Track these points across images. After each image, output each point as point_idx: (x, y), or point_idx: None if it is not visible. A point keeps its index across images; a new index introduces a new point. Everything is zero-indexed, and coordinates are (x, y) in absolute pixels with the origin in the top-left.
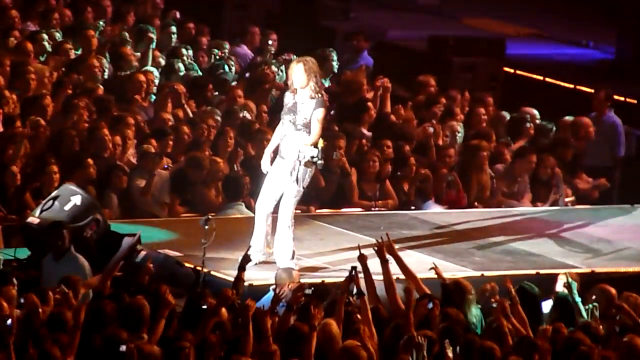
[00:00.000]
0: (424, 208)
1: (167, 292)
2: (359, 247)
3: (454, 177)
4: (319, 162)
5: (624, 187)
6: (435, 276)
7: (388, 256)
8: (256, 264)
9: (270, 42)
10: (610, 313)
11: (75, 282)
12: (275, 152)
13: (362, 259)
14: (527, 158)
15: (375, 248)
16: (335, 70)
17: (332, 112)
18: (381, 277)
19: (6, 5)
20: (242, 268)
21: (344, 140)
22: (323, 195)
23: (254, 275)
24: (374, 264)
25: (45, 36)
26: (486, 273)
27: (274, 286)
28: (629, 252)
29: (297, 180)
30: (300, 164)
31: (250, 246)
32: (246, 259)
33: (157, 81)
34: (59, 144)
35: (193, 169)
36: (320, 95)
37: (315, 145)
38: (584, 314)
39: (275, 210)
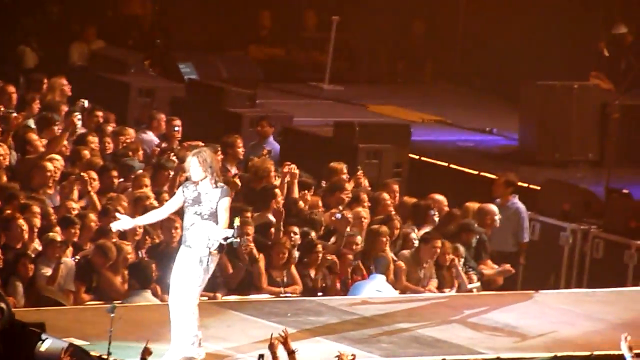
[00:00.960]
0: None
1: None
2: (271, 336)
3: (358, 263)
4: (235, 240)
5: (527, 273)
6: None
7: (294, 347)
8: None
9: (176, 128)
10: None
11: None
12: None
13: (272, 347)
14: (432, 243)
15: (278, 342)
16: (241, 157)
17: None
18: None
19: None
20: None
21: (252, 226)
22: (230, 281)
23: None
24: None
25: None
26: (393, 359)
27: None
28: (533, 337)
29: (207, 268)
30: (209, 253)
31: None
32: (146, 352)
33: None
34: None
35: (100, 257)
36: (221, 184)
37: (230, 226)
38: None
39: None
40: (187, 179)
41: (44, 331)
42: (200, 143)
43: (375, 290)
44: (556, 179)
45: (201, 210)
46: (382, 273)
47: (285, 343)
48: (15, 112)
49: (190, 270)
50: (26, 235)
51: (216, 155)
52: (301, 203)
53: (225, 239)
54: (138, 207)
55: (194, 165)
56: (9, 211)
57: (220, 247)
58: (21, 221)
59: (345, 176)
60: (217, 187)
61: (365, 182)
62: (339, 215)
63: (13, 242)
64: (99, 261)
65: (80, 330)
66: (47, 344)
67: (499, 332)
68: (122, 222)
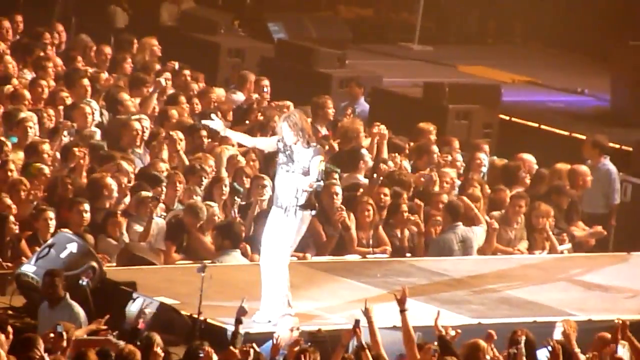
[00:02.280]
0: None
1: (155, 344)
2: (365, 302)
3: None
4: (319, 184)
5: (619, 235)
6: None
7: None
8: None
9: (265, 89)
10: None
11: (68, 329)
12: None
13: (367, 312)
14: (520, 203)
15: (398, 297)
16: (331, 118)
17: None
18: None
19: (3, 53)
20: (238, 321)
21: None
22: (323, 249)
23: (250, 324)
24: (380, 316)
25: (44, 83)
26: (483, 321)
27: (275, 335)
28: (625, 299)
29: (298, 226)
30: (297, 205)
31: (243, 298)
32: (241, 312)
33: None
34: (54, 190)
35: (190, 217)
36: (313, 143)
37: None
38: None
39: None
40: (280, 138)
41: (135, 290)
42: (288, 103)
43: None
44: None
45: (293, 169)
46: None
47: (401, 301)
48: (106, 73)
49: (281, 231)
50: (115, 194)
51: (306, 117)
52: (390, 164)
53: (311, 185)
54: (229, 166)
55: (285, 129)
56: (97, 170)
57: (308, 203)
58: (109, 179)
59: (433, 137)
60: (309, 147)
61: (455, 144)
62: (427, 176)
63: (102, 201)
64: (189, 221)
65: (170, 290)
66: (137, 303)
67: (590, 294)
68: (215, 123)
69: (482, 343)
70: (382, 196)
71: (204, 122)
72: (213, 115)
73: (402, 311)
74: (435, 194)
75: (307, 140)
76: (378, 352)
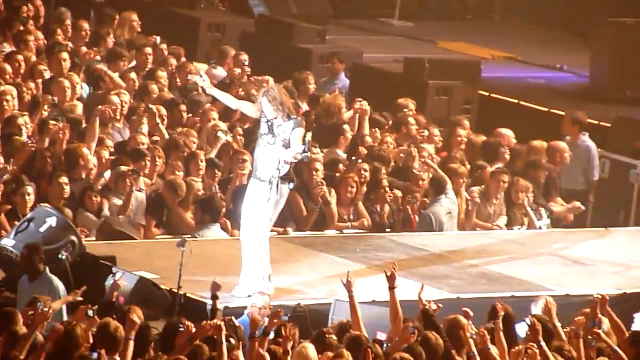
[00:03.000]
0: None
1: (132, 311)
2: (347, 274)
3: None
4: (306, 154)
5: (597, 211)
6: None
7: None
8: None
9: (245, 62)
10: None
11: (45, 303)
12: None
13: (349, 285)
14: (499, 178)
15: (388, 274)
16: (312, 92)
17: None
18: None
19: None
20: (214, 297)
21: (321, 167)
22: (304, 223)
23: (228, 298)
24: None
25: (21, 57)
26: (462, 296)
27: (247, 310)
28: (603, 275)
29: (278, 200)
30: (279, 178)
31: (216, 276)
32: (215, 287)
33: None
34: (33, 164)
35: (169, 192)
36: (293, 115)
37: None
38: (564, 337)
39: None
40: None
41: (115, 264)
42: (267, 77)
43: None
44: (627, 117)
45: (274, 141)
46: None
47: (391, 278)
48: (85, 47)
49: (260, 203)
50: (92, 165)
51: (285, 90)
52: (369, 139)
53: (297, 153)
54: (209, 139)
55: (265, 104)
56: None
57: (287, 177)
58: (85, 149)
59: (411, 112)
60: (289, 119)
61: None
62: (407, 152)
63: (79, 171)
64: (168, 197)
65: (150, 264)
66: (116, 277)
67: (568, 269)
68: (203, 80)
69: (463, 319)
70: (361, 172)
71: (190, 76)
72: (202, 73)
73: (392, 288)
74: (414, 170)
75: (287, 114)
76: (358, 329)
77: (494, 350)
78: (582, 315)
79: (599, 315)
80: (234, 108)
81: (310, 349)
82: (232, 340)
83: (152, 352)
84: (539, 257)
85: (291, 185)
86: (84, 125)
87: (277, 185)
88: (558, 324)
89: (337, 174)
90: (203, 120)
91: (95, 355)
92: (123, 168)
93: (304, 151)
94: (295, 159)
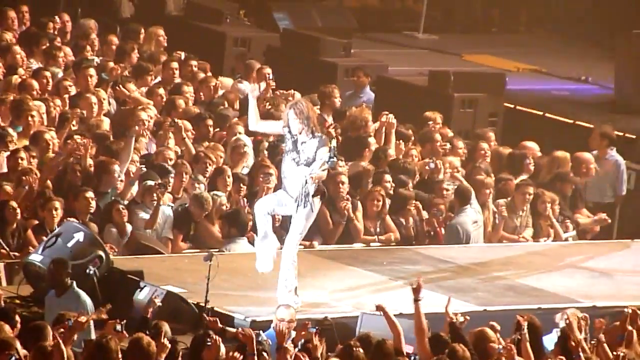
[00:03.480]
0: None
1: (162, 333)
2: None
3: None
4: (332, 160)
5: (623, 222)
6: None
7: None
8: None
9: (268, 76)
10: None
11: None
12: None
13: (383, 309)
14: (525, 190)
15: (414, 286)
16: (338, 106)
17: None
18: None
19: (10, 43)
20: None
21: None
22: (330, 237)
23: (256, 312)
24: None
25: (48, 73)
26: (489, 308)
27: (274, 324)
28: (629, 286)
29: (309, 214)
30: (307, 194)
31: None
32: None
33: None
34: (61, 178)
35: (195, 207)
36: (319, 133)
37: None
38: (587, 350)
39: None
40: (286, 126)
41: (142, 279)
42: (293, 92)
43: None
44: None
45: (299, 158)
46: None
47: (416, 290)
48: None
49: (293, 220)
50: (121, 183)
51: (312, 105)
52: (392, 151)
53: (325, 161)
54: (234, 154)
55: (291, 117)
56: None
57: (317, 190)
58: (116, 167)
59: (438, 126)
60: (314, 137)
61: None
62: (432, 164)
63: (105, 188)
64: (195, 211)
65: (177, 278)
66: (145, 292)
67: (594, 280)
68: (250, 86)
69: (490, 332)
70: (387, 184)
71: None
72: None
73: (416, 300)
74: (439, 182)
75: (311, 130)
76: (398, 346)
77: None
78: (611, 328)
79: (629, 328)
80: (251, 129)
81: None
82: (265, 355)
83: None
84: (566, 269)
85: (322, 198)
86: (111, 139)
87: (307, 204)
88: (580, 337)
89: (362, 187)
90: (229, 135)
91: None
92: (150, 182)
93: (330, 158)
94: (322, 172)
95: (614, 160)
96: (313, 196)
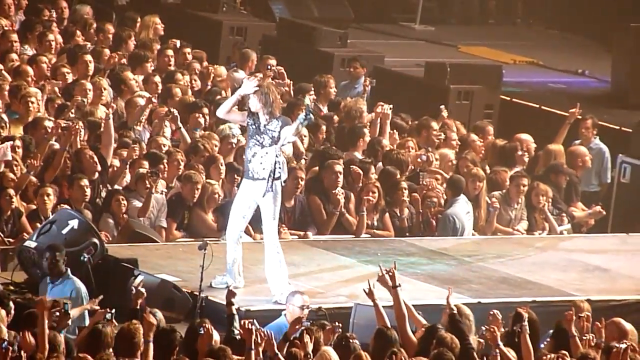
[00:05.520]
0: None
1: (148, 313)
2: (368, 283)
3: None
4: (310, 117)
5: (618, 216)
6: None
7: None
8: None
9: (269, 67)
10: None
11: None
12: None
13: (371, 295)
14: (519, 182)
15: (389, 273)
16: (333, 97)
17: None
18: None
19: (5, 29)
20: (229, 304)
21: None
22: (324, 227)
23: (250, 301)
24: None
25: (45, 59)
26: (483, 300)
27: (285, 311)
28: (623, 280)
29: (275, 197)
30: (274, 178)
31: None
32: (231, 295)
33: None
34: (54, 164)
35: (186, 186)
36: (278, 114)
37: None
38: (581, 347)
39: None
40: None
41: (137, 267)
42: (288, 81)
43: None
44: None
45: (262, 140)
46: None
47: (392, 277)
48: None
49: (262, 206)
50: (99, 167)
51: (277, 89)
52: (386, 142)
53: (303, 119)
54: (223, 144)
55: (251, 96)
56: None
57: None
58: (88, 152)
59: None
60: (275, 118)
61: (453, 124)
62: (424, 157)
63: (91, 173)
64: (187, 191)
65: (172, 267)
66: (137, 280)
67: (588, 274)
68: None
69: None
70: (372, 175)
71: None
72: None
73: (394, 287)
74: (433, 175)
75: (270, 112)
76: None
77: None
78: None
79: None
80: (218, 115)
81: (331, 353)
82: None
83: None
84: (560, 262)
85: (283, 182)
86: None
87: (273, 186)
88: (576, 334)
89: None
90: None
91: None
92: (142, 170)
93: (307, 116)
94: (298, 132)
95: (598, 148)
96: (277, 180)
